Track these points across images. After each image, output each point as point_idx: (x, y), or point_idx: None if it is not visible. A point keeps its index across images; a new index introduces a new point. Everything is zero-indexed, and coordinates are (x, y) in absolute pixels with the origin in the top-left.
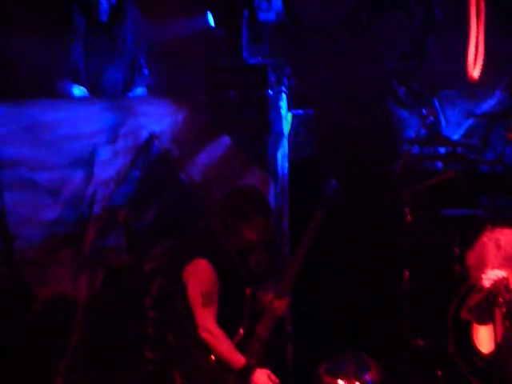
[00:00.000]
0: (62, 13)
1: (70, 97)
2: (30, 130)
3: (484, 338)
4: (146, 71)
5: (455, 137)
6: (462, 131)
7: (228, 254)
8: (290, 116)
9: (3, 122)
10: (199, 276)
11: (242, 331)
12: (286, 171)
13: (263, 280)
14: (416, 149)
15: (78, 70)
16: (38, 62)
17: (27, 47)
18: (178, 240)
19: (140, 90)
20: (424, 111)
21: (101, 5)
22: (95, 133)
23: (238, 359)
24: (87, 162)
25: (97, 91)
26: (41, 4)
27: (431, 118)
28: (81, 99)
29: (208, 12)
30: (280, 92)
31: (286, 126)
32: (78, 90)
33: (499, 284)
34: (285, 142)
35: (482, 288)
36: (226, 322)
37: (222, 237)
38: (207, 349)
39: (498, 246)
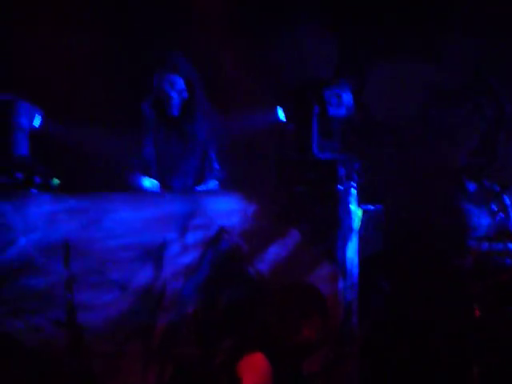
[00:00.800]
0: (134, 107)
1: (141, 190)
2: (99, 223)
3: None
4: (217, 165)
5: None
6: None
7: (285, 349)
8: (359, 211)
9: (72, 216)
10: (254, 371)
11: None
12: (355, 266)
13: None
14: (485, 245)
15: (149, 164)
16: (110, 155)
17: (101, 141)
18: (241, 334)
19: (211, 184)
20: (494, 207)
21: (172, 99)
22: (165, 226)
23: None
24: (157, 256)
25: (167, 185)
26: (114, 98)
27: (501, 214)
28: (151, 192)
29: (278, 107)
30: (350, 187)
31: (356, 221)
32: (149, 183)
33: None
34: (354, 237)
35: None
36: None
37: (280, 332)
38: None
39: None
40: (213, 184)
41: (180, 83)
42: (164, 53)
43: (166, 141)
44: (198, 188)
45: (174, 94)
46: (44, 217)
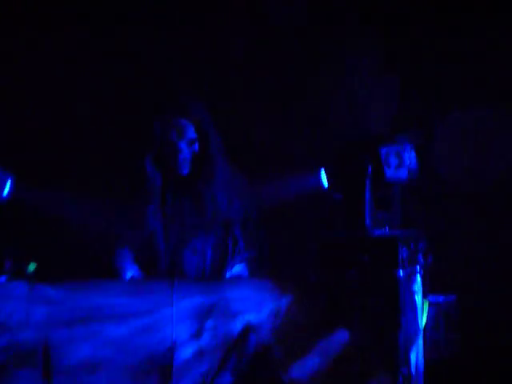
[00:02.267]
0: (132, 166)
1: (142, 277)
2: (88, 322)
3: None
4: (243, 244)
5: None
6: None
7: None
8: (426, 304)
9: (54, 312)
10: None
11: None
12: (420, 376)
13: None
14: None
15: (156, 242)
16: (100, 231)
17: (89, 212)
18: None
19: (234, 269)
20: None
21: (181, 152)
22: (174, 324)
23: None
24: (164, 364)
25: (178, 269)
26: (104, 154)
27: None
28: (157, 280)
29: (322, 170)
30: (414, 273)
31: (422, 318)
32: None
33: None
34: (420, 339)
35: None
36: None
37: None
38: None
39: None
40: (237, 269)
41: (190, 131)
42: (169, 93)
43: (174, 210)
44: (218, 274)
45: (183, 145)
46: (17, 313)
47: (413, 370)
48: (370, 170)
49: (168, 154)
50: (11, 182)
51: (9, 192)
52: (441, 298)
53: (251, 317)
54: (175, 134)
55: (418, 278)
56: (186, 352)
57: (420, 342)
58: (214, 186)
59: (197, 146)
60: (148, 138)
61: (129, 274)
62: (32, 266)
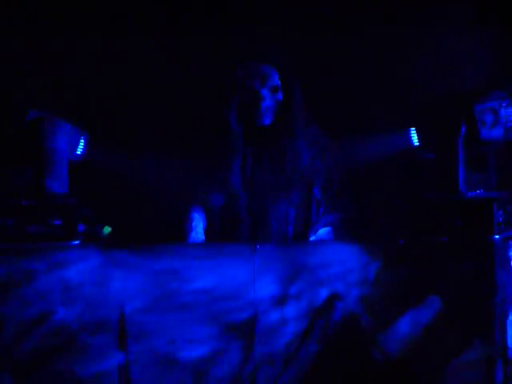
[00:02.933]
0: (211, 119)
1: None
2: (166, 288)
3: None
4: (325, 205)
5: None
6: None
7: None
8: None
9: (130, 277)
10: None
11: None
12: None
13: None
14: None
15: (238, 202)
16: (179, 192)
17: (166, 172)
18: None
19: (319, 232)
20: None
21: (263, 100)
22: (256, 292)
23: None
24: (245, 332)
25: (259, 232)
26: (181, 109)
27: None
28: (236, 246)
29: (412, 129)
30: (510, 237)
31: None
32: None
33: None
34: None
35: None
36: None
37: None
38: None
39: None
40: (322, 233)
41: (274, 77)
42: (252, 40)
43: (255, 167)
44: (302, 238)
45: (266, 93)
46: (91, 279)
47: (509, 339)
48: (463, 128)
49: (250, 103)
50: (85, 142)
51: (83, 151)
52: None
53: (337, 284)
54: (258, 80)
55: None
56: (269, 320)
57: None
58: (296, 138)
59: (280, 95)
60: (230, 86)
61: (193, 236)
62: (107, 230)
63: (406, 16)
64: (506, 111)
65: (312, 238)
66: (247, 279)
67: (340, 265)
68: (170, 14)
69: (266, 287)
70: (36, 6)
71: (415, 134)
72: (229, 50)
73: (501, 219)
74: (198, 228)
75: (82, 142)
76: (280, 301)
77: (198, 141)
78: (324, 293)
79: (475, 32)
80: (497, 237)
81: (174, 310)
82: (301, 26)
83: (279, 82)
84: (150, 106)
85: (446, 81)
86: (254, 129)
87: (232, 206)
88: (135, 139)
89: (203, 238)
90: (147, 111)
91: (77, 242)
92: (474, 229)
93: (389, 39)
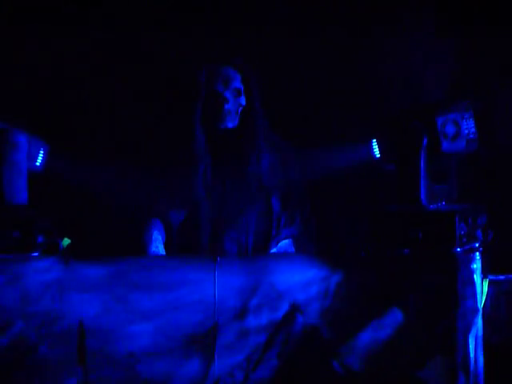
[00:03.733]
0: (175, 125)
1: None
2: (125, 301)
3: None
4: (286, 217)
5: None
6: None
7: None
8: (485, 283)
9: (89, 290)
10: None
11: None
12: (480, 361)
13: None
14: None
15: (202, 212)
16: (140, 202)
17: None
18: None
19: (279, 245)
20: None
21: (226, 102)
22: (217, 304)
23: None
24: (206, 345)
25: (219, 243)
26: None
27: None
28: (197, 258)
29: (373, 140)
30: (472, 250)
31: (481, 298)
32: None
33: None
34: (479, 320)
35: None
36: None
37: None
38: None
39: None
40: (283, 245)
41: (237, 80)
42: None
43: (216, 174)
44: (262, 251)
45: (229, 95)
46: (50, 290)
47: (471, 353)
48: (425, 140)
49: (213, 105)
50: (45, 153)
51: (42, 162)
52: (502, 277)
53: (298, 296)
54: (221, 82)
55: (477, 256)
56: (230, 332)
57: (479, 323)
58: (258, 144)
59: (243, 99)
60: (193, 90)
61: (153, 249)
62: (66, 241)
63: (368, 26)
64: (468, 123)
65: (273, 250)
66: (208, 291)
67: (301, 277)
68: (133, 16)
69: (226, 299)
70: None
71: (377, 146)
72: (192, 53)
73: (463, 232)
74: (158, 241)
75: (41, 153)
76: (240, 313)
77: (159, 149)
78: (285, 305)
79: (437, 42)
80: (459, 249)
81: (134, 323)
82: (262, 31)
83: (242, 86)
84: (110, 115)
85: (407, 92)
86: (217, 133)
87: (193, 217)
88: (96, 149)
89: (163, 251)
90: (108, 120)
91: (36, 254)
92: (436, 241)
93: (351, 49)
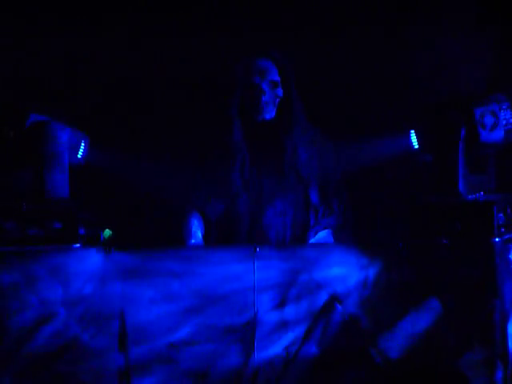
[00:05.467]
0: (213, 119)
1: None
2: (166, 290)
3: None
4: (324, 207)
5: None
6: None
7: None
8: None
9: (130, 280)
10: None
11: None
12: None
13: None
14: None
15: (239, 202)
16: (180, 195)
17: (168, 176)
18: None
19: (318, 235)
20: None
21: (263, 94)
22: (256, 293)
23: None
24: (245, 334)
25: (257, 234)
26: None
27: None
28: (236, 248)
29: (412, 131)
30: (511, 240)
31: None
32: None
33: None
34: None
35: None
36: None
37: None
38: None
39: None
40: (321, 235)
41: (273, 72)
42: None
43: (253, 166)
44: (301, 240)
45: (266, 87)
46: (92, 281)
47: (510, 343)
48: (463, 131)
49: (250, 97)
50: (86, 145)
51: (83, 155)
52: None
53: (337, 286)
54: (258, 75)
55: None
56: (269, 322)
57: None
58: (295, 136)
59: (280, 90)
60: (230, 82)
61: (192, 242)
62: (107, 233)
63: (406, 18)
64: (506, 114)
65: (312, 241)
66: (247, 281)
67: (340, 267)
68: (168, 15)
69: (265, 290)
70: (35, 8)
71: (415, 137)
72: (228, 47)
73: (501, 222)
74: (197, 234)
75: (82, 146)
76: (280, 303)
77: (198, 142)
78: (324, 296)
79: (475, 34)
80: (497, 239)
81: (174, 313)
82: (300, 26)
83: (279, 78)
84: (150, 108)
85: (446, 83)
86: (255, 125)
87: (232, 209)
88: (136, 142)
89: (202, 243)
90: (148, 113)
91: (77, 245)
92: (475, 232)
93: (389, 41)
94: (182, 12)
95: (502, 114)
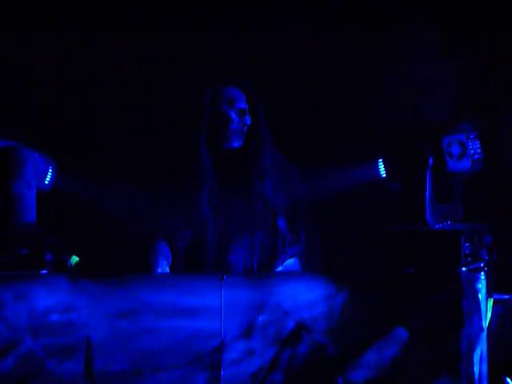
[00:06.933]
0: (182, 147)
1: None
2: (132, 317)
3: None
4: (291, 236)
5: None
6: None
7: None
8: (490, 302)
9: (96, 306)
10: None
11: None
12: (484, 379)
13: None
14: None
15: (206, 232)
16: (148, 222)
17: (136, 201)
18: None
19: (285, 263)
20: None
21: (231, 122)
22: (223, 322)
23: None
24: (212, 362)
25: (225, 262)
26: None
27: None
28: (205, 274)
29: (380, 160)
30: (477, 270)
31: (486, 317)
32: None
33: None
34: (484, 339)
35: None
36: None
37: None
38: None
39: None
40: (289, 263)
41: (241, 100)
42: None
43: (221, 194)
44: (268, 269)
45: (234, 115)
46: (58, 307)
47: (476, 371)
48: (430, 160)
49: (218, 125)
50: (53, 171)
51: (51, 180)
52: (506, 296)
53: (304, 314)
54: (226, 102)
55: (482, 276)
56: (236, 350)
57: (484, 342)
58: (263, 164)
59: (248, 118)
60: (198, 110)
61: (159, 271)
62: (74, 259)
63: (373, 44)
64: (474, 143)
65: (279, 269)
66: (214, 309)
67: (306, 296)
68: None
69: (232, 317)
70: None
71: (382, 165)
72: (196, 75)
73: (468, 251)
74: (164, 263)
75: (50, 171)
76: (247, 331)
77: (165, 169)
78: (290, 324)
79: (442, 64)
80: (464, 269)
81: (141, 339)
82: (267, 52)
83: (247, 106)
84: (118, 135)
85: (413, 112)
86: (223, 153)
87: (199, 237)
88: (103, 168)
89: (168, 271)
90: (116, 140)
91: (44, 271)
92: (442, 260)
93: (357, 69)
94: (153, 37)
95: (470, 144)
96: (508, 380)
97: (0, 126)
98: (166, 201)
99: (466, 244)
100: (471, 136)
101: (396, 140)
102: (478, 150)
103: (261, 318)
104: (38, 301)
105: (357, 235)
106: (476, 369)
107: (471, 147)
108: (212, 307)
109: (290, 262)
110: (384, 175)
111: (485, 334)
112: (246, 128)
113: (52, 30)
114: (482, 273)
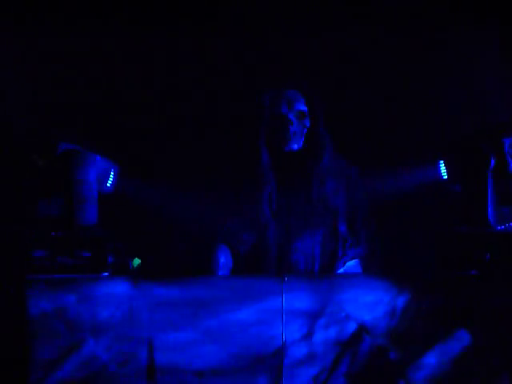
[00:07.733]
0: (242, 152)
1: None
2: (194, 321)
3: None
4: (352, 237)
5: None
6: None
7: None
8: None
9: (158, 309)
10: None
11: None
12: None
13: None
14: None
15: (267, 233)
16: (210, 226)
17: (198, 206)
18: None
19: (347, 264)
20: None
21: (290, 124)
22: (284, 323)
23: None
24: (273, 365)
25: (286, 265)
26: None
27: None
28: (264, 278)
29: (441, 162)
30: None
31: None
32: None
33: None
34: None
35: None
36: None
37: None
38: None
39: None
40: (350, 265)
41: (301, 103)
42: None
43: (281, 197)
44: (329, 271)
45: (293, 118)
46: (120, 310)
47: None
48: (492, 161)
49: (277, 128)
50: (115, 174)
51: (113, 184)
52: None
53: (365, 317)
54: (285, 105)
55: None
56: (297, 353)
57: None
58: (322, 166)
59: (307, 121)
60: (257, 113)
61: (220, 273)
62: (136, 262)
63: (435, 49)
64: None
65: (340, 271)
66: (275, 311)
67: (368, 298)
68: (199, 48)
69: (293, 319)
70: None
71: (444, 167)
72: (255, 77)
73: None
74: (225, 267)
75: (112, 174)
76: (308, 333)
77: (227, 173)
78: (352, 326)
79: (502, 65)
80: None
81: (202, 342)
82: (327, 55)
83: (306, 108)
84: (179, 139)
85: (475, 113)
86: (282, 155)
87: (260, 240)
88: (165, 172)
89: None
90: (177, 144)
91: (106, 274)
92: (504, 262)
93: (418, 72)
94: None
95: None
96: None
97: (63, 129)
98: (225, 205)
99: None
100: None
101: (458, 141)
102: None
103: (322, 320)
104: (100, 303)
105: (418, 237)
106: None
107: None
108: (273, 309)
109: (351, 264)
110: (445, 177)
111: None
112: (305, 130)
113: (115, 28)
114: None
